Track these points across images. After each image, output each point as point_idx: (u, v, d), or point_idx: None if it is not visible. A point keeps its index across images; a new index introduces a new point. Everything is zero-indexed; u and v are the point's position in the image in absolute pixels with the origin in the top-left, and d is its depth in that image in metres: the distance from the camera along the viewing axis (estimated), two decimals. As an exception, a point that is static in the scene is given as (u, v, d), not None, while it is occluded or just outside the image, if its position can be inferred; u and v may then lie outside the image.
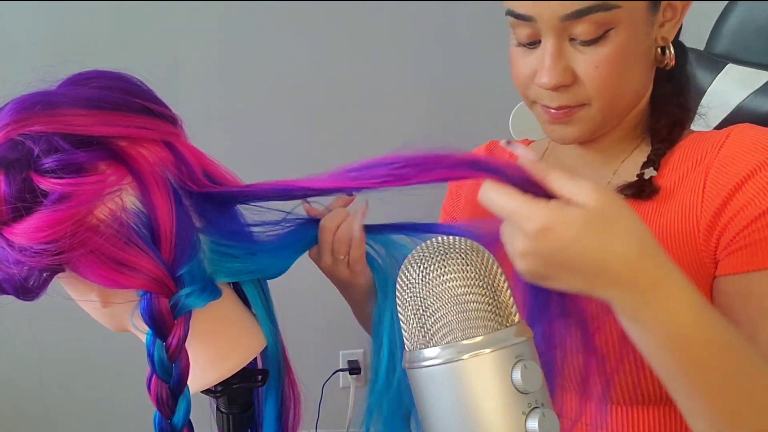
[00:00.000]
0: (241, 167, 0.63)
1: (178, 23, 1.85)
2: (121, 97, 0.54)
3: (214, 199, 0.58)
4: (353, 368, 2.05)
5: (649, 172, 0.68)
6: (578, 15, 0.60)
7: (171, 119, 0.58)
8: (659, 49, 0.68)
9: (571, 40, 0.63)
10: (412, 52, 1.94)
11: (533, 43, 0.65)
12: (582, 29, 0.61)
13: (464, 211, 0.86)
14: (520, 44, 0.66)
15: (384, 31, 1.93)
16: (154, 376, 0.52)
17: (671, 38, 0.68)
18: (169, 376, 0.52)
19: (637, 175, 0.68)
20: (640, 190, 0.67)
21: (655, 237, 0.49)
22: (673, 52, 0.68)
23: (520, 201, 0.48)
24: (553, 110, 0.67)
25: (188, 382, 0.53)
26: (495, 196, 0.49)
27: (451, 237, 0.45)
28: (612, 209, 0.47)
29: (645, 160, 0.70)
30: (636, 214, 0.49)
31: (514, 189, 0.49)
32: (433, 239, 0.46)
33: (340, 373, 2.07)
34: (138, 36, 1.83)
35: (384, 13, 1.90)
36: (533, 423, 0.40)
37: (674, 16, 0.67)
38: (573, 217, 0.46)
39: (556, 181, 0.49)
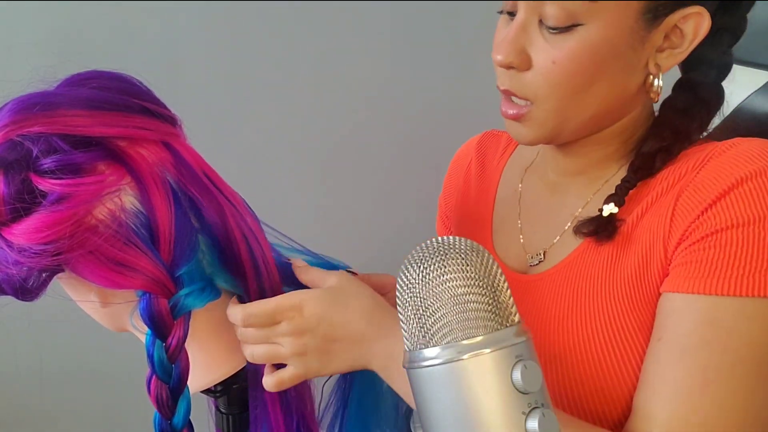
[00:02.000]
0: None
1: (178, 23, 1.85)
2: (120, 98, 0.54)
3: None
4: (353, 368, 2.05)
5: (609, 209, 0.59)
6: None
7: (170, 119, 0.58)
8: (651, 77, 0.59)
9: (541, 23, 0.57)
10: (414, 51, 1.94)
11: (513, 15, 0.60)
12: (551, 11, 0.55)
13: (453, 211, 0.83)
14: (504, 13, 0.61)
15: (383, 32, 1.93)
16: (154, 376, 0.52)
17: (666, 69, 0.59)
18: (168, 376, 0.52)
19: (599, 210, 0.60)
20: (596, 230, 0.60)
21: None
22: (660, 85, 0.59)
23: (273, 300, 0.58)
24: (504, 98, 0.62)
25: (188, 383, 0.53)
26: (250, 309, 0.57)
27: (450, 237, 0.45)
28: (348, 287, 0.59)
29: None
30: (366, 292, 0.59)
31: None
32: (433, 239, 0.46)
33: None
34: (138, 36, 1.82)
35: (383, 14, 1.90)
36: (533, 423, 0.40)
37: (680, 45, 0.58)
38: (318, 293, 0.58)
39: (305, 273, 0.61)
